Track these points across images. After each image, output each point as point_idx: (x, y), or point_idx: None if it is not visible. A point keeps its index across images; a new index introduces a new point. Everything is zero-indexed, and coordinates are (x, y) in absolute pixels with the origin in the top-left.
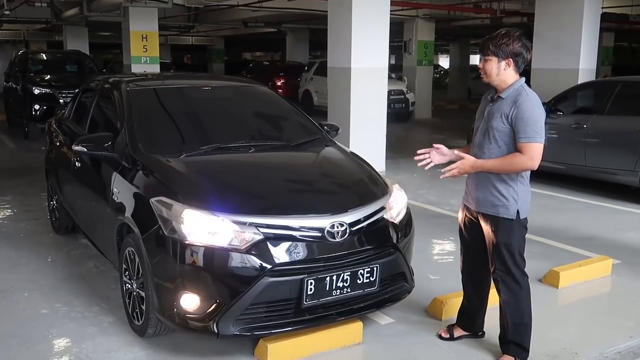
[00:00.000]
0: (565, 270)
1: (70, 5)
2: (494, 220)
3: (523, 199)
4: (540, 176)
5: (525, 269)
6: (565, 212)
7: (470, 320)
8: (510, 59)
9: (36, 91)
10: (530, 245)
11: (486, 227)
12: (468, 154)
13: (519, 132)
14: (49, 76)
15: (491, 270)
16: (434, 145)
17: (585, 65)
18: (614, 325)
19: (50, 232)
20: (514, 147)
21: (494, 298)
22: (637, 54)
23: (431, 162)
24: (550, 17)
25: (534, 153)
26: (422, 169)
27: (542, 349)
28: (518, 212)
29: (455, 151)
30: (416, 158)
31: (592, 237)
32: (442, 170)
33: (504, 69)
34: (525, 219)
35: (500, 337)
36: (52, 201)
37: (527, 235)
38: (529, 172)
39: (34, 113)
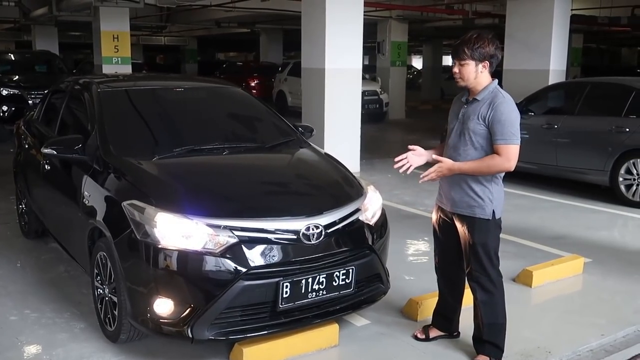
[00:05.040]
0: (538, 270)
1: (39, 4)
2: (470, 220)
3: (498, 199)
4: (513, 176)
5: (499, 269)
6: (537, 212)
7: (445, 320)
8: (487, 62)
9: (4, 92)
10: (504, 245)
11: (462, 228)
12: (442, 154)
13: (496, 133)
14: (17, 77)
15: (466, 271)
16: (409, 147)
17: (556, 66)
18: (586, 324)
19: (20, 236)
20: (490, 148)
21: (468, 298)
22: (605, 55)
23: (411, 165)
24: (521, 19)
25: (510, 154)
26: (396, 170)
27: (516, 348)
28: (494, 212)
29: (433, 155)
30: (395, 167)
31: (564, 236)
32: (421, 175)
33: (481, 72)
34: (500, 218)
35: (474, 337)
36: (21, 205)
37: (501, 235)
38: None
39: (1, 114)
